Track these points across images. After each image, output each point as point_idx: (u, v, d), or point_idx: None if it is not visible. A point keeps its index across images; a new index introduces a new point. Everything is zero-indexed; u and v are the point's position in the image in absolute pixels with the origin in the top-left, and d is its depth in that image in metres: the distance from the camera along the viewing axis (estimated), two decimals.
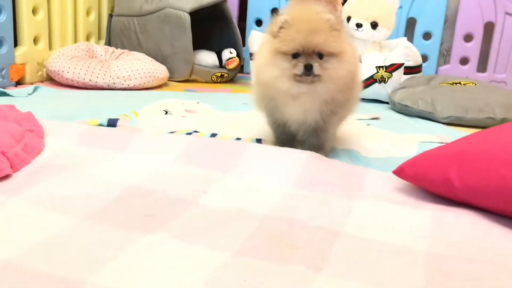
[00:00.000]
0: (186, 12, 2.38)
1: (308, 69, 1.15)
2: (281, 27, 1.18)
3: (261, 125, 1.48)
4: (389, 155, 1.44)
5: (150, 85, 2.21)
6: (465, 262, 0.83)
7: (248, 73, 2.72)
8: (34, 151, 1.19)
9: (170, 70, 2.43)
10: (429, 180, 1.06)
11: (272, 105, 1.28)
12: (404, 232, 0.93)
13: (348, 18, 2.50)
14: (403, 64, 2.23)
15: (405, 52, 2.24)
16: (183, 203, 0.99)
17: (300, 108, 1.23)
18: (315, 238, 0.88)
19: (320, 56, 1.18)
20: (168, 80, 2.43)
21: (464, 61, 2.80)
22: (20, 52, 2.08)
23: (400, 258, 0.84)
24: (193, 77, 2.52)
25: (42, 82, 2.22)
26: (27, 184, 1.00)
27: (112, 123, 1.56)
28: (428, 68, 2.81)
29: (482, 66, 2.79)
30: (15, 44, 2.09)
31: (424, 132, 1.71)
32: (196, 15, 2.48)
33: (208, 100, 1.99)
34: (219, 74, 2.54)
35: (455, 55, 2.79)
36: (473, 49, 2.76)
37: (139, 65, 2.19)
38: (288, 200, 1.03)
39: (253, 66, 1.28)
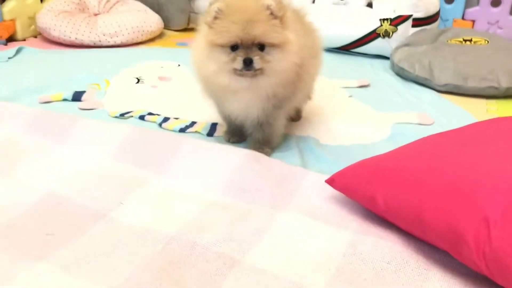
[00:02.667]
0: None
1: (248, 63, 1.05)
2: (215, 17, 1.06)
3: None
4: (355, 141, 1.34)
5: (139, 40, 2.14)
6: None
7: None
8: None
9: (166, 19, 2.33)
10: (357, 196, 0.99)
11: (215, 97, 1.20)
12: (309, 263, 0.87)
13: None
14: (411, 16, 2.02)
15: (414, 2, 2.02)
16: (94, 217, 0.97)
17: (241, 104, 1.15)
18: (209, 270, 0.85)
19: (262, 47, 1.06)
20: (165, 28, 2.34)
21: (495, 2, 2.49)
22: (7, 8, 2.05)
23: None
24: (191, 25, 2.41)
25: (36, 37, 2.20)
26: None
27: (77, 97, 1.54)
28: (454, 10, 2.53)
29: None
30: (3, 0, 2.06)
31: (409, 107, 1.57)
32: None
33: None
34: None
35: None
36: None
37: (128, 19, 2.11)
38: (204, 214, 0.99)
39: (192, 57, 1.17)
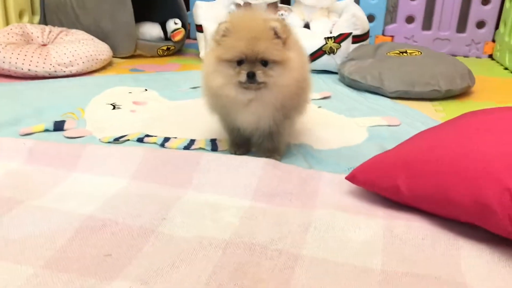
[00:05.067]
0: None
1: (251, 77, 1.14)
2: (223, 35, 1.15)
3: (213, 120, 1.47)
4: (341, 144, 1.48)
5: (93, 69, 2.12)
6: (416, 280, 0.89)
7: (195, 39, 2.64)
8: None
9: (112, 47, 2.33)
10: (380, 187, 1.11)
11: (224, 111, 1.27)
12: (360, 248, 0.97)
13: None
14: (351, 33, 2.24)
15: (353, 21, 2.24)
16: (143, 234, 0.98)
17: (252, 115, 1.23)
18: (277, 265, 0.91)
19: (265, 63, 1.16)
20: (112, 57, 2.33)
21: (410, 19, 2.83)
22: None
23: (358, 280, 0.88)
24: (138, 52, 2.43)
25: None
26: None
27: (59, 127, 1.51)
28: (375, 28, 2.83)
29: (427, 24, 2.83)
30: None
31: (373, 113, 1.74)
32: None
33: (156, 84, 1.94)
34: (165, 48, 2.46)
35: (401, 14, 2.81)
36: (418, 8, 2.79)
37: (80, 49, 2.08)
38: (248, 218, 1.05)
39: (202, 72, 1.24)
